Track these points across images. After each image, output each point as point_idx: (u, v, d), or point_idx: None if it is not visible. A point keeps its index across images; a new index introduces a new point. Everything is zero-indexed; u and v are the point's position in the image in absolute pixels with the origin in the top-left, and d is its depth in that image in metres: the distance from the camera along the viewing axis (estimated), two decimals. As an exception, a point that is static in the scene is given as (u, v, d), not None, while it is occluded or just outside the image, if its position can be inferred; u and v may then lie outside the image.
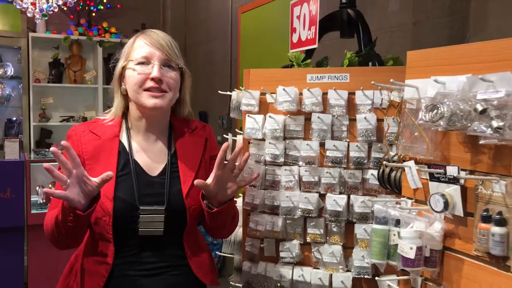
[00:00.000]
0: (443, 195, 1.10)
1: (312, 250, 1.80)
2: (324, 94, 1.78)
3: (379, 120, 1.70)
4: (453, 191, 1.10)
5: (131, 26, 5.86)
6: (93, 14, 5.66)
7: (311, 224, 1.79)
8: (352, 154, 1.74)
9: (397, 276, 1.30)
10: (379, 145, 1.68)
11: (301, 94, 1.80)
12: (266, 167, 1.86)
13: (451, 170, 1.08)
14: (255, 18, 4.46)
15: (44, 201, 4.30)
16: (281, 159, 1.82)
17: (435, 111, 1.02)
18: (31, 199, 4.15)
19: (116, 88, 1.61)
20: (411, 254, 1.13)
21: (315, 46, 1.94)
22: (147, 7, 6.10)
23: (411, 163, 1.21)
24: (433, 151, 1.15)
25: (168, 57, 1.53)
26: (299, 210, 1.78)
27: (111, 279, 1.50)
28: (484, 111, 0.94)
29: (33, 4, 4.24)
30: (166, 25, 6.20)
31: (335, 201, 1.74)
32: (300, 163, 1.79)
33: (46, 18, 4.60)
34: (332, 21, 2.11)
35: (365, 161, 1.73)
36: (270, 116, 1.82)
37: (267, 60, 4.09)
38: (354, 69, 1.80)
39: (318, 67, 1.98)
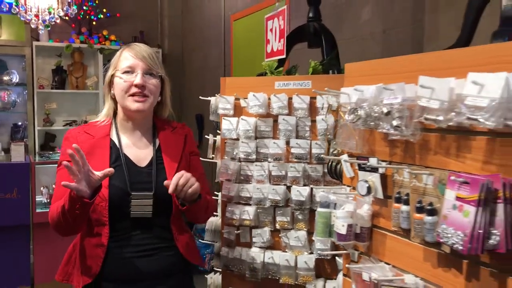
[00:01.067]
0: (366, 182, 1.35)
1: (281, 236, 2.05)
2: (290, 99, 2.03)
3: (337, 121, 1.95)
4: (375, 178, 1.35)
5: (130, 34, 6.15)
6: (94, 23, 5.94)
7: (279, 212, 2.04)
8: (314, 150, 1.99)
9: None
10: (334, 142, 1.93)
11: (270, 99, 2.05)
12: (241, 163, 2.11)
13: (372, 161, 1.33)
14: (246, 26, 4.71)
15: (48, 200, 4.57)
16: (253, 156, 2.08)
17: (355, 113, 1.27)
18: (36, 199, 4.41)
19: (106, 93, 1.86)
20: (343, 230, 1.38)
21: (284, 56, 2.19)
22: (145, 15, 6.36)
23: (345, 156, 1.46)
24: (362, 146, 1.40)
25: (150, 67, 1.78)
26: (269, 200, 2.04)
27: (107, 260, 1.73)
28: (388, 113, 1.19)
29: (37, 15, 4.52)
30: (163, 33, 6.47)
31: (299, 192, 1.99)
32: (269, 159, 2.05)
33: (49, 29, 4.88)
34: (301, 33, 2.36)
35: (325, 157, 1.98)
36: (242, 119, 2.08)
37: (258, 64, 4.33)
38: (315, 76, 2.06)
39: (288, 75, 2.24)
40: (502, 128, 0.96)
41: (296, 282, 2.01)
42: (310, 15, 2.33)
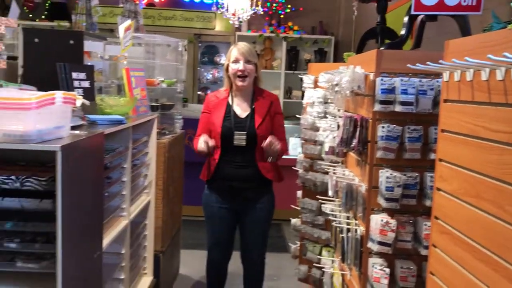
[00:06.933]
0: (338, 122, 2.46)
1: (334, 166, 3.19)
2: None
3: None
4: (341, 120, 2.45)
5: (310, 24, 7.49)
6: (281, 16, 7.45)
7: (333, 150, 3.18)
8: (356, 112, 3.06)
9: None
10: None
11: (334, 77, 3.18)
12: (314, 118, 3.29)
13: (340, 112, 2.43)
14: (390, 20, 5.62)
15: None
16: (322, 114, 3.23)
17: (329, 85, 2.39)
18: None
19: (224, 73, 3.16)
20: (334, 144, 2.51)
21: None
22: (325, 8, 7.61)
23: (335, 110, 2.57)
24: (342, 103, 2.49)
25: (248, 58, 3.02)
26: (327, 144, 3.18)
27: (218, 168, 3.06)
28: (336, 85, 2.28)
29: (233, 14, 6.20)
30: (339, 23, 7.63)
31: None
32: (330, 116, 3.18)
33: (242, 23, 6.54)
34: (372, 32, 3.37)
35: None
36: (316, 90, 3.25)
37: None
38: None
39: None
40: (360, 93, 2.03)
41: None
42: (378, 20, 3.31)
